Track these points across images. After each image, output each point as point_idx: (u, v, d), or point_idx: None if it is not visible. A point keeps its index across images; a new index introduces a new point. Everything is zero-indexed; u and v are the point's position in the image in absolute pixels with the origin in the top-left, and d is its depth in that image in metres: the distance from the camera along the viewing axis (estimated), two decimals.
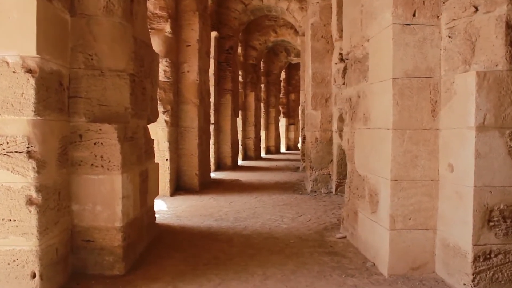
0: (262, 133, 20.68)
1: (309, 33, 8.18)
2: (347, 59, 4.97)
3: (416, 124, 3.44)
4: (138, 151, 3.92)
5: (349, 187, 4.69)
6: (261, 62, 19.84)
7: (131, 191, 3.66)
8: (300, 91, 13.20)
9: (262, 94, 21.16)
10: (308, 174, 8.58)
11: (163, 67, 7.57)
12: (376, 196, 3.77)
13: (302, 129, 12.73)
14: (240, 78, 16.27)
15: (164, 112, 7.53)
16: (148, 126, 4.55)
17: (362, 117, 4.19)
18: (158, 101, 7.43)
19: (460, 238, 3.16)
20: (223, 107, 12.92)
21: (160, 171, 7.44)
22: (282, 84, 25.53)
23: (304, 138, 12.54)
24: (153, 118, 4.66)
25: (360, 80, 4.28)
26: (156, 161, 7.54)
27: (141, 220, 4.06)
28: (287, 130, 26.80)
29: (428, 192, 3.46)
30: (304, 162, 12.51)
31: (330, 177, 8.12)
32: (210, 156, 10.99)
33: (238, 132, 15.54)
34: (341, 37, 7.58)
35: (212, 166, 11.91)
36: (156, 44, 7.49)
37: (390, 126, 3.45)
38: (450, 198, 3.29)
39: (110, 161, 3.37)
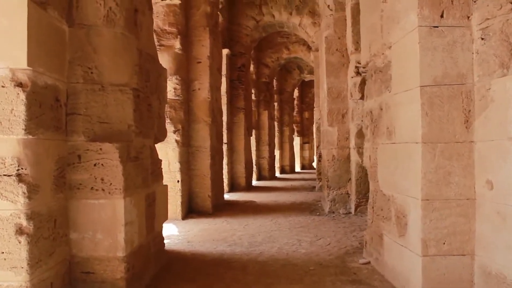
0: (276, 152, 20.34)
1: (323, 46, 7.91)
2: (366, 70, 4.66)
3: (448, 136, 3.09)
4: (143, 173, 3.62)
5: (372, 207, 4.33)
6: (274, 80, 19.63)
7: (136, 217, 3.35)
8: (315, 108, 12.89)
9: (276, 112, 20.90)
10: (325, 194, 8.21)
11: (173, 85, 7.34)
12: (404, 217, 3.41)
13: (317, 147, 12.39)
14: (253, 97, 16.04)
15: (174, 132, 7.27)
16: (156, 146, 4.29)
17: (385, 131, 3.86)
18: (168, 120, 7.18)
19: (504, 265, 2.77)
20: (236, 126, 12.65)
21: (171, 193, 7.16)
22: (295, 102, 25.29)
23: (320, 156, 12.18)
24: (161, 136, 4.37)
25: (382, 91, 3.96)
26: (166, 183, 7.25)
27: (147, 248, 3.74)
28: (302, 148, 26.44)
29: (464, 213, 3.09)
30: (320, 181, 12.14)
31: (349, 196, 7.74)
32: (224, 176, 10.69)
33: (252, 151, 15.24)
34: (357, 49, 7.30)
35: (226, 187, 11.60)
36: (166, 61, 7.28)
37: (419, 140, 3.11)
38: (490, 219, 2.92)
39: (111, 184, 3.08)
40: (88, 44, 3.15)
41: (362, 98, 7.22)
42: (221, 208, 8.44)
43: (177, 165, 7.23)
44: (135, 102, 3.40)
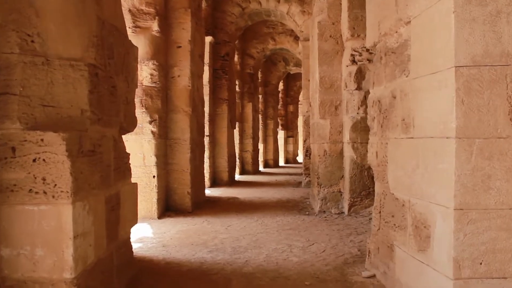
0: (260, 146, 19.64)
1: (316, 32, 7.24)
2: (373, 53, 4.01)
3: (488, 130, 2.45)
4: (103, 170, 2.91)
5: (379, 212, 3.69)
6: (259, 72, 18.91)
7: (91, 225, 2.64)
8: (301, 101, 12.24)
9: (260, 105, 20.19)
10: (315, 192, 7.57)
11: (149, 71, 6.59)
12: (426, 229, 2.77)
13: (304, 141, 11.76)
14: (237, 88, 15.32)
15: (150, 122, 6.54)
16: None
17: (399, 123, 3.20)
18: (144, 109, 6.45)
19: None
20: (219, 118, 11.93)
21: (146, 189, 6.45)
22: (280, 95, 24.59)
23: (307, 151, 11.57)
24: (129, 126, 3.65)
25: (395, 75, 3.31)
26: (141, 178, 6.56)
27: (108, 262, 3.03)
28: (286, 142, 25.82)
29: (506, 226, 2.46)
30: (307, 177, 11.53)
31: (341, 195, 7.12)
32: (205, 171, 10.00)
33: (235, 145, 14.55)
34: (353, 35, 6.66)
35: (207, 182, 10.92)
36: (142, 45, 6.53)
37: (451, 134, 2.46)
38: None
39: (56, 185, 2.36)
40: (29, 5, 2.42)
41: (358, 88, 6.60)
42: (202, 206, 7.74)
43: (153, 159, 6.51)
44: (91, 82, 2.68)
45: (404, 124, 3.13)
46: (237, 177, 14.27)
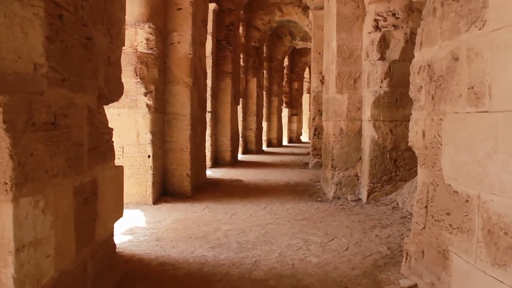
0: (264, 124, 18.85)
1: None
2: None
3: None
4: (71, 150, 2.14)
5: (425, 207, 2.94)
6: (264, 46, 17.99)
7: (49, 229, 1.89)
8: (312, 76, 11.39)
9: (264, 81, 19.32)
10: (328, 175, 6.83)
11: (145, 35, 5.78)
12: (508, 237, 2.03)
13: (313, 119, 10.97)
14: (241, 62, 14.45)
15: (146, 94, 5.75)
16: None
17: (465, 93, 2.42)
18: (138, 79, 5.67)
19: None
20: (222, 92, 11.12)
21: (140, 171, 5.71)
22: (284, 71, 23.68)
23: (315, 130, 10.80)
24: (112, 94, 2.87)
25: (459, 30, 2.51)
26: (134, 158, 5.82)
27: (79, 274, 2.29)
28: (290, 121, 25.02)
29: None
30: (315, 157, 10.80)
31: (358, 179, 6.37)
32: (206, 150, 9.27)
33: (238, 122, 13.77)
34: None
35: (209, 162, 10.18)
36: (137, 4, 5.73)
37: None
38: None
39: None
40: None
41: (381, 58, 5.81)
42: (203, 189, 7.01)
43: (148, 136, 5.74)
44: (51, 26, 1.90)
45: (472, 94, 2.35)
46: (240, 156, 13.53)
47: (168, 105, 6.32)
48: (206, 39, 7.78)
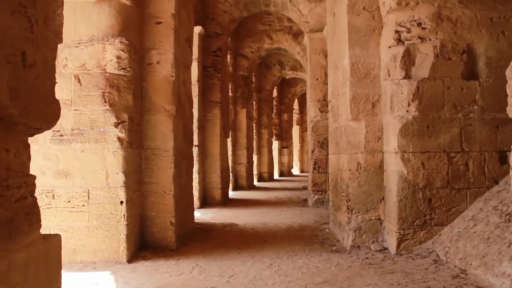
0: (254, 158, 17.68)
1: (345, 3, 5.35)
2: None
3: None
4: None
5: None
6: (252, 76, 17.05)
7: None
8: (308, 105, 10.35)
9: (254, 112, 18.28)
10: (342, 219, 5.66)
11: (115, 52, 4.66)
12: None
13: (312, 151, 9.84)
14: (229, 93, 13.41)
15: (117, 125, 4.59)
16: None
17: None
18: (107, 107, 4.55)
19: None
20: (210, 124, 9.99)
21: (111, 222, 4.46)
22: (274, 102, 22.72)
23: (315, 164, 9.68)
24: (31, 117, 1.67)
25: None
26: (102, 205, 4.61)
27: None
28: (280, 154, 23.89)
29: None
30: (315, 194, 9.63)
31: (381, 224, 5.21)
32: (194, 188, 8.09)
33: (228, 156, 12.60)
34: (399, 4, 4.83)
35: (197, 202, 8.97)
36: (106, 15, 4.68)
37: None
38: None
39: None
40: None
41: (406, 77, 4.78)
42: (190, 239, 5.76)
43: (120, 177, 4.55)
44: None
45: None
46: (231, 193, 12.29)
47: (146, 139, 5.15)
48: (191, 61, 6.70)
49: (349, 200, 5.37)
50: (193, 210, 6.63)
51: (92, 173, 4.52)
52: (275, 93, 22.44)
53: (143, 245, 5.07)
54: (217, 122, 10.02)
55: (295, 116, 27.24)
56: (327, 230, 6.53)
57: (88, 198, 4.52)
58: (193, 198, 6.65)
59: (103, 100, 4.56)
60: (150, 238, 5.11)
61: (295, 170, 26.88)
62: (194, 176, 8.63)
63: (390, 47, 4.93)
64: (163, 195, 5.13)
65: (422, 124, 4.73)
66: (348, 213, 5.37)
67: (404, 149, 4.72)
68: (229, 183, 11.61)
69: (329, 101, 6.65)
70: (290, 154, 25.44)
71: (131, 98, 4.78)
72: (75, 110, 4.55)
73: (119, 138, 4.57)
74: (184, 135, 5.90)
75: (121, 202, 4.55)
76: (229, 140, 12.65)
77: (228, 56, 12.83)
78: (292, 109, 25.55)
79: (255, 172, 17.82)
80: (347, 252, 5.06)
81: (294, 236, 6.12)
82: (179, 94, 5.53)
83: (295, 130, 27.20)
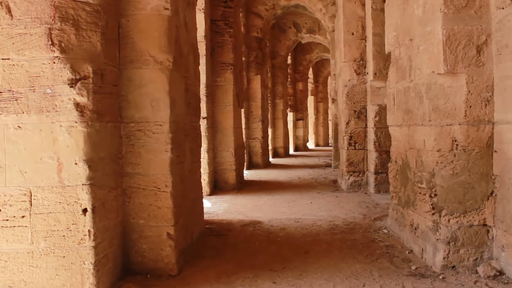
0: (269, 131, 15.79)
1: None
2: None
3: None
4: None
5: None
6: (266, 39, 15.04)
7: None
8: (341, 65, 8.46)
9: (268, 80, 16.34)
10: (420, 221, 3.88)
11: None
12: None
13: (346, 123, 7.99)
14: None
15: (73, 83, 2.76)
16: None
17: None
18: (57, 53, 2.72)
19: None
20: (221, 91, 8.13)
21: (67, 242, 2.66)
22: (288, 70, 20.71)
23: (350, 139, 7.89)
24: None
25: None
26: (53, 216, 2.44)
27: None
28: (295, 126, 21.98)
29: None
30: (351, 176, 7.86)
31: (488, 232, 3.41)
32: (202, 171, 6.37)
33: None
34: None
35: (206, 188, 7.26)
36: None
37: None
38: None
39: None
40: None
41: None
42: (198, 253, 4.01)
43: (81, 170, 2.76)
44: None
45: None
46: (245, 173, 10.49)
47: (127, 106, 3.32)
48: None
49: (435, 194, 3.55)
50: (202, 207, 4.85)
51: (35, 164, 2.73)
52: (289, 60, 20.42)
53: (127, 270, 3.32)
54: (229, 89, 8.15)
55: (310, 86, 25.24)
56: (385, 231, 4.76)
57: (31, 204, 2.74)
58: (201, 189, 4.86)
59: (50, 42, 2.73)
60: (137, 259, 3.35)
61: (310, 144, 25.07)
62: (202, 155, 6.85)
63: None
64: (156, 193, 3.34)
65: None
66: (434, 214, 3.56)
67: None
68: (244, 163, 9.83)
69: (389, 52, 4.75)
70: (306, 126, 23.54)
71: (98, 40, 2.94)
72: (3, 59, 2.74)
73: (78, 105, 2.76)
74: (187, 102, 4.07)
75: (84, 211, 2.77)
76: (242, 112, 10.81)
77: (239, 16, 10.87)
78: (307, 77, 23.53)
79: (269, 147, 16.00)
80: (439, 277, 3.28)
81: (344, 242, 4.34)
82: (178, 39, 3.67)
83: (310, 101, 25.25)
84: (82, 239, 2.77)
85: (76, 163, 2.75)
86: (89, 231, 2.78)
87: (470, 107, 3.37)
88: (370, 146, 7.52)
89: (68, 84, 2.74)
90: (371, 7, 7.21)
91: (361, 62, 7.81)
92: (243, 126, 11.58)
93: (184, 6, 3.99)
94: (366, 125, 7.84)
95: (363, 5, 7.75)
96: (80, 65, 2.80)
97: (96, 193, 2.85)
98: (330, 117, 25.87)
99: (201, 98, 6.90)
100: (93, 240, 2.79)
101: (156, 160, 3.33)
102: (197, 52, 4.69)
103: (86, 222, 2.78)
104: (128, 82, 3.31)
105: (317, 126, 26.59)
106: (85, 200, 2.77)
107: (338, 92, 9.44)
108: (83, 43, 2.85)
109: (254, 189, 8.35)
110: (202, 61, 7.18)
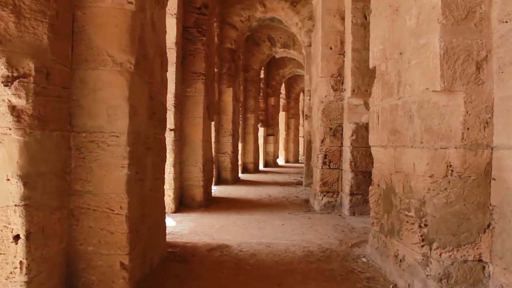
0: (239, 146, 15.34)
1: None
2: None
3: None
4: None
5: None
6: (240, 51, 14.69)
7: None
8: (317, 81, 8.15)
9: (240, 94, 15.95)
10: (406, 253, 3.51)
11: None
12: None
13: (322, 141, 7.63)
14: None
15: (10, 81, 2.27)
16: None
17: None
18: None
19: None
20: (191, 102, 7.65)
21: None
22: (261, 84, 20.40)
23: (325, 157, 7.52)
24: None
25: None
26: None
27: None
28: (266, 142, 21.65)
29: None
30: (324, 196, 7.50)
31: (484, 269, 3.06)
32: (167, 186, 5.92)
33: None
34: None
35: (171, 204, 6.79)
36: None
37: None
38: None
39: None
40: None
41: None
42: (160, 286, 3.51)
43: (14, 187, 2.26)
44: None
45: None
46: (213, 189, 9.98)
47: (79, 113, 2.83)
48: None
49: (426, 225, 3.19)
50: (165, 229, 4.33)
51: None
52: (262, 74, 20.13)
53: None
54: (199, 100, 7.69)
55: (281, 101, 25.01)
56: (364, 260, 4.37)
57: None
58: (164, 209, 4.35)
59: None
60: None
61: (280, 160, 24.77)
62: (168, 170, 6.39)
63: None
64: (109, 216, 2.85)
65: None
66: (424, 246, 3.19)
67: None
68: (212, 178, 9.33)
69: (373, 66, 4.41)
70: (276, 142, 23.23)
71: (45, 32, 2.46)
72: None
73: (13, 109, 2.27)
74: (151, 111, 3.60)
75: (16, 238, 2.27)
76: (212, 125, 10.34)
77: (214, 25, 10.47)
78: (279, 93, 23.28)
79: (239, 162, 15.54)
80: None
81: (321, 273, 3.92)
82: (143, 39, 3.22)
83: (281, 117, 25.00)
84: (11, 273, 2.26)
85: (8, 179, 2.25)
86: (21, 262, 2.27)
87: (468, 129, 3.03)
88: (346, 166, 7.18)
89: (3, 83, 2.25)
90: (351, 21, 6.94)
91: (338, 78, 7.51)
92: (213, 139, 11.13)
93: (152, 4, 3.55)
94: (342, 143, 7.51)
95: (343, 19, 7.48)
96: (19, 60, 2.31)
97: (32, 216, 2.34)
98: (301, 134, 25.72)
99: (168, 108, 6.46)
100: (26, 274, 2.28)
101: (110, 176, 2.84)
102: (165, 57, 4.23)
103: (18, 251, 2.27)
104: (81, 85, 2.83)
105: (288, 142, 26.31)
106: (18, 224, 2.27)
107: (313, 109, 9.12)
108: (25, 35, 2.37)
109: (223, 206, 7.87)
110: (172, 69, 6.74)
